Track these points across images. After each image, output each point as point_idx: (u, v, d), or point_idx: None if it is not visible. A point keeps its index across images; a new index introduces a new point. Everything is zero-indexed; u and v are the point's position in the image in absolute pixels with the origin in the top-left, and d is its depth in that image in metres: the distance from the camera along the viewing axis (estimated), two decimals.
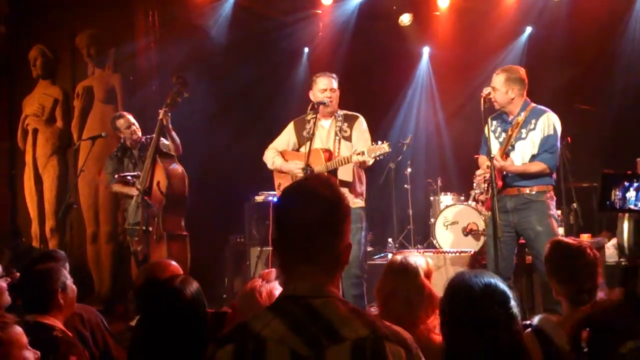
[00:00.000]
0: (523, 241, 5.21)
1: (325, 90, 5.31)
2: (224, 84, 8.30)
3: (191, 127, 7.04)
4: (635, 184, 2.71)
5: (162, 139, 6.22)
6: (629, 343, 2.23)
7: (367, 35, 9.03)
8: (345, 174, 5.16)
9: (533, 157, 4.92)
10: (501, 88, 4.96)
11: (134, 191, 6.10)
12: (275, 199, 6.81)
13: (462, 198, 7.87)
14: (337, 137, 5.33)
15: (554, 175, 5.04)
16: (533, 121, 4.92)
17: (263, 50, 8.65)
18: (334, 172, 5.12)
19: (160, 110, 6.10)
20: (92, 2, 8.25)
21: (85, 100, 8.37)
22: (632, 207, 2.75)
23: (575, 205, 7.28)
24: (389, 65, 9.28)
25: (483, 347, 2.05)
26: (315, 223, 1.76)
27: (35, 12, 8.58)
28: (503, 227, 4.69)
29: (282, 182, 5.57)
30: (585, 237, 6.58)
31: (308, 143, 5.16)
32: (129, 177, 6.07)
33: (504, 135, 5.02)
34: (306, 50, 9.60)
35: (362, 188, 5.36)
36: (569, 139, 6.90)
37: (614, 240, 6.63)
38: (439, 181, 8.30)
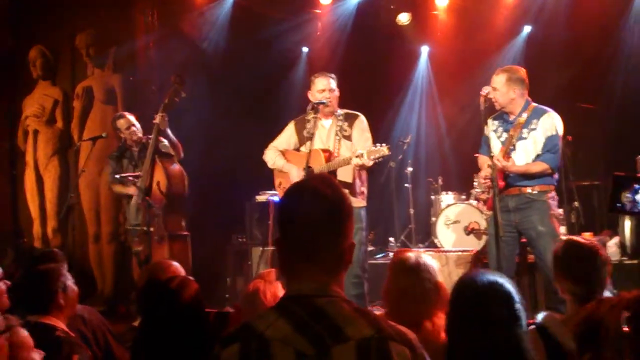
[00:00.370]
0: (525, 240, 5.21)
1: (324, 90, 5.30)
2: (224, 83, 8.30)
3: (191, 126, 7.05)
4: None
5: (162, 139, 6.23)
6: None
7: (366, 35, 9.02)
8: (344, 174, 5.15)
9: (535, 157, 4.92)
10: (502, 88, 4.95)
11: (132, 190, 6.11)
12: (276, 199, 6.82)
13: (464, 197, 7.86)
14: (338, 137, 5.33)
15: (556, 175, 5.04)
16: (534, 121, 4.92)
17: (262, 50, 8.64)
18: (333, 172, 5.11)
19: (156, 115, 6.09)
20: (91, 2, 8.25)
21: (85, 101, 8.37)
22: None
23: (576, 203, 7.28)
24: (388, 64, 9.27)
25: (485, 344, 2.05)
26: (318, 223, 1.76)
27: (35, 12, 8.58)
28: (505, 226, 4.67)
29: (282, 181, 5.57)
30: (587, 236, 6.57)
31: (308, 143, 5.16)
32: (130, 178, 6.08)
33: (505, 135, 5.02)
34: (305, 50, 9.60)
35: (363, 188, 5.35)
36: (569, 137, 6.89)
37: (615, 239, 6.63)
38: (439, 180, 8.29)
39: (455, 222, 7.47)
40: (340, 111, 5.42)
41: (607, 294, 2.81)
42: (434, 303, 2.79)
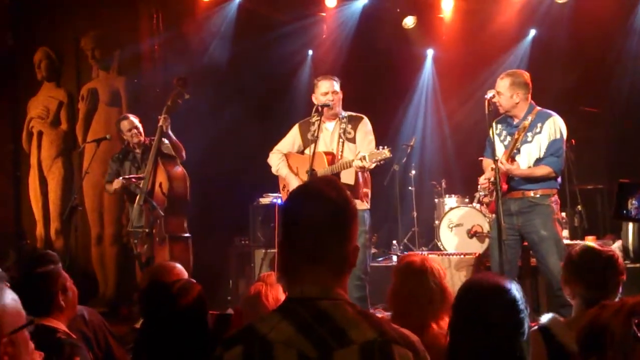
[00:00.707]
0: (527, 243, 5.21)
1: (327, 93, 5.30)
2: (229, 86, 8.31)
3: (196, 129, 7.06)
4: None
5: (164, 139, 6.24)
6: None
7: (371, 38, 9.02)
8: (347, 177, 5.14)
9: (538, 161, 4.92)
10: (506, 92, 4.96)
11: (118, 184, 6.13)
12: (279, 201, 6.82)
13: (467, 200, 7.85)
14: (341, 140, 5.34)
15: (559, 179, 5.04)
16: (539, 125, 4.92)
17: (267, 52, 8.65)
18: (336, 175, 5.11)
19: (159, 117, 6.11)
20: (96, 4, 8.26)
21: (89, 103, 8.39)
22: None
23: (580, 207, 7.27)
24: (393, 67, 9.27)
25: (486, 347, 2.05)
26: (322, 225, 1.76)
27: (40, 14, 8.61)
28: (507, 230, 4.67)
29: (287, 185, 5.58)
30: (590, 240, 6.57)
31: (312, 146, 5.17)
32: (133, 180, 6.09)
33: (509, 138, 5.02)
34: (310, 52, 9.61)
35: (366, 190, 5.34)
36: (573, 141, 6.89)
37: (618, 243, 6.61)
38: (443, 183, 8.29)
39: (459, 225, 7.47)
40: (344, 113, 5.42)
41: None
42: (440, 306, 2.79)
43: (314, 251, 1.75)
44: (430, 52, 9.70)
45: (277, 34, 8.70)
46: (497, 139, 5.01)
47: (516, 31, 8.72)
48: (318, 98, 5.34)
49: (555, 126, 4.91)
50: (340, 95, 5.39)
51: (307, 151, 5.45)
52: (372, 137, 5.34)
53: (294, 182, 5.40)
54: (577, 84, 7.96)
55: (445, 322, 2.74)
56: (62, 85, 8.74)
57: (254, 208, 7.80)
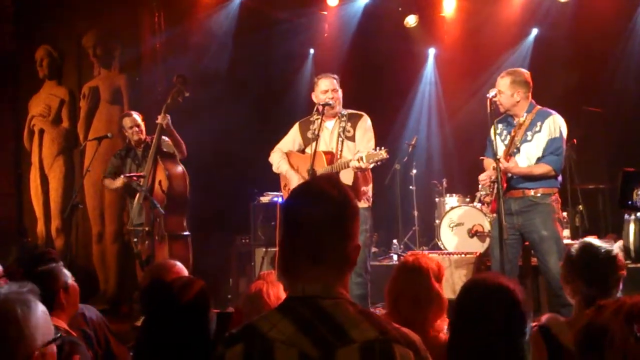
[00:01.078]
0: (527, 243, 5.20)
1: (327, 91, 5.31)
2: (230, 84, 8.30)
3: (196, 127, 7.05)
4: None
5: (165, 138, 6.24)
6: None
7: (373, 37, 9.02)
8: (346, 177, 5.13)
9: (538, 160, 4.91)
10: (506, 91, 4.95)
11: (119, 183, 6.12)
12: (280, 200, 6.82)
13: (468, 199, 7.85)
14: (340, 139, 5.34)
15: (560, 178, 5.03)
16: (539, 123, 4.91)
17: (268, 50, 8.65)
18: (336, 174, 5.12)
19: (159, 115, 6.11)
20: (98, 2, 8.26)
21: (91, 101, 8.39)
22: None
23: (581, 207, 7.27)
24: (394, 66, 9.26)
25: (489, 345, 2.05)
26: (323, 224, 1.76)
27: (42, 12, 8.60)
28: (508, 229, 4.67)
29: (288, 183, 5.58)
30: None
31: (313, 144, 5.17)
32: (134, 178, 6.09)
33: (509, 137, 5.01)
34: (312, 51, 9.60)
35: (367, 189, 5.35)
36: (574, 140, 6.88)
37: (619, 243, 6.60)
38: (444, 182, 8.29)
39: (459, 224, 7.46)
40: (345, 111, 5.42)
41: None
42: (430, 306, 2.79)
43: (315, 250, 1.75)
44: (432, 51, 9.70)
45: (279, 33, 8.70)
46: (498, 139, 5.00)
47: (518, 30, 8.71)
48: (318, 96, 5.34)
49: (554, 124, 4.90)
50: (340, 93, 5.39)
51: (307, 150, 5.45)
52: (371, 135, 5.34)
53: (294, 179, 5.39)
54: (580, 84, 7.94)
55: (438, 322, 2.75)
56: (63, 83, 8.74)
57: (254, 207, 7.79)
